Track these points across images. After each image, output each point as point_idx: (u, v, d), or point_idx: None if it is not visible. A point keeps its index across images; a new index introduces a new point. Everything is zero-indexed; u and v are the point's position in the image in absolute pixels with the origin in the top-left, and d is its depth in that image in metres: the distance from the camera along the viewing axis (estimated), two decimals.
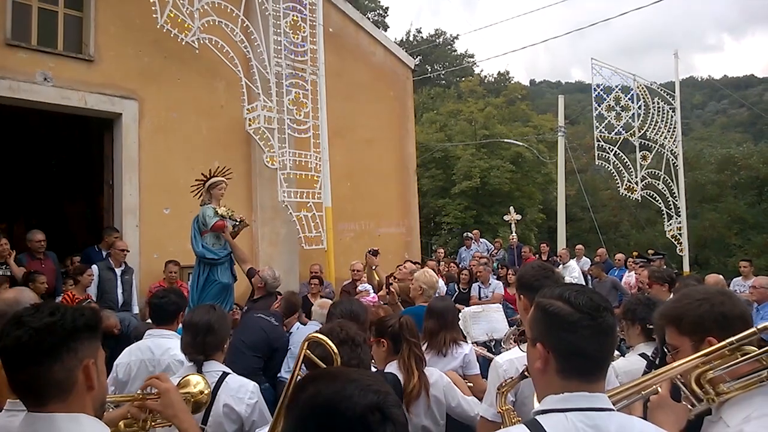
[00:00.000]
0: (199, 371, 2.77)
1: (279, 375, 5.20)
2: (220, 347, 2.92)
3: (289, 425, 1.10)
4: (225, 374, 2.86)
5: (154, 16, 7.53)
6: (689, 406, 1.73)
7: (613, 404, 1.55)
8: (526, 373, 1.79)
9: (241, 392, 2.80)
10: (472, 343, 5.19)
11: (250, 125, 8.57)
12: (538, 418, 1.48)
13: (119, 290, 7.29)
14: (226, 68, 8.35)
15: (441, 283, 9.30)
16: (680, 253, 13.94)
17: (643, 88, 13.95)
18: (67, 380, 1.41)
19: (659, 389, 1.78)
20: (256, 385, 2.89)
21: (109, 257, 7.50)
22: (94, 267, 7.17)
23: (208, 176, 6.50)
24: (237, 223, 6.49)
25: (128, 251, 7.66)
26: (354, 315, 3.26)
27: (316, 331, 2.33)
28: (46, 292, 6.29)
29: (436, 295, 4.96)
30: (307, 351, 1.95)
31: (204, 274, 6.34)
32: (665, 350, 2.35)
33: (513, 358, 2.50)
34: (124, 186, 8.33)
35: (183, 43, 7.82)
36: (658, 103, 14.08)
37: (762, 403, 1.60)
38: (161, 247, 8.15)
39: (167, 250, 7.94)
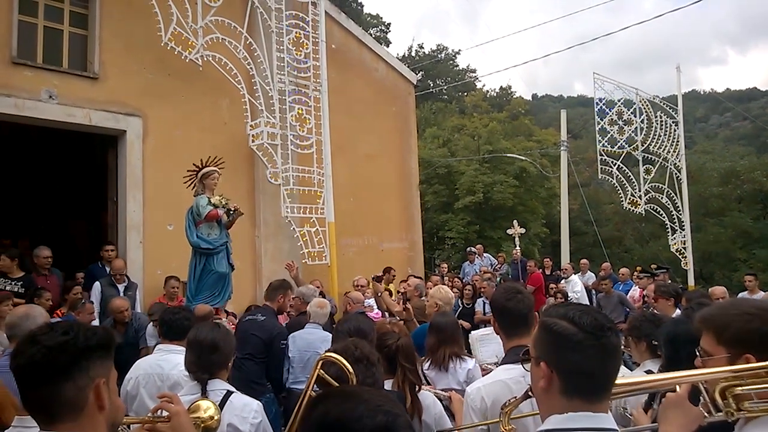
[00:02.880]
0: (204, 390, 2.76)
1: (286, 383, 5.13)
2: (225, 365, 2.90)
3: None
4: (229, 393, 2.84)
5: (158, 33, 7.62)
6: (705, 413, 1.70)
7: (626, 394, 1.52)
8: (530, 392, 1.77)
9: (246, 411, 2.78)
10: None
11: (253, 141, 8.61)
12: None
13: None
14: (230, 85, 8.41)
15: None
16: (685, 267, 13.87)
17: (645, 102, 13.98)
18: (78, 399, 1.41)
19: (678, 388, 1.75)
20: (260, 404, 2.88)
21: (111, 275, 7.48)
22: (96, 284, 7.15)
23: (201, 166, 6.52)
24: (232, 212, 6.49)
25: (124, 271, 7.59)
26: (362, 332, 3.23)
27: (330, 349, 2.33)
28: (50, 308, 6.29)
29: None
30: (321, 371, 1.95)
31: (200, 265, 6.35)
32: (670, 368, 2.33)
33: (480, 386, 2.47)
34: (128, 202, 8.35)
35: (187, 60, 7.90)
36: (661, 117, 14.10)
37: None
38: (165, 264, 8.14)
39: (170, 266, 7.93)
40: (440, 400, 3.14)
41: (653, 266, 11.44)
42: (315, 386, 2.08)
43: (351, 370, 1.83)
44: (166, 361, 3.56)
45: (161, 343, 3.79)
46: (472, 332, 5.91)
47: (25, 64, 7.65)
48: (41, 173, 11.12)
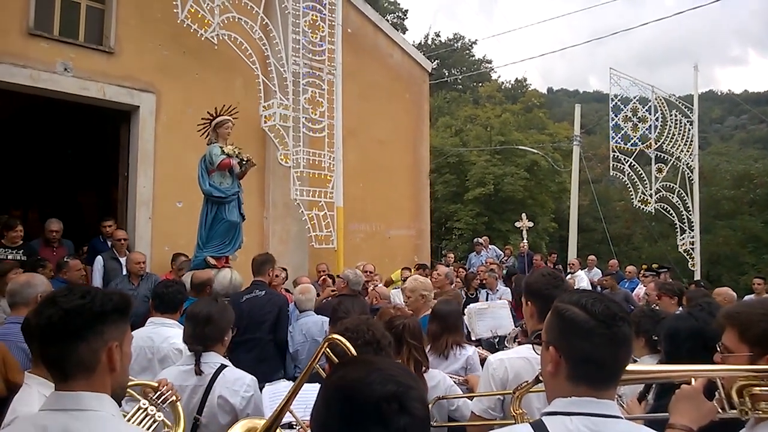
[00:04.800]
0: (198, 362, 2.82)
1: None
2: (220, 339, 2.94)
3: (317, 404, 1.14)
4: (223, 366, 2.88)
5: (174, 11, 7.62)
6: (719, 409, 1.70)
7: (640, 381, 1.51)
8: (540, 377, 1.79)
9: (237, 385, 2.81)
10: (475, 339, 5.18)
11: (265, 122, 8.62)
12: (544, 419, 1.49)
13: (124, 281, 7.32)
14: (244, 65, 8.41)
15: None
16: (692, 268, 13.80)
17: (661, 99, 13.85)
18: (91, 360, 1.48)
19: (693, 381, 1.75)
20: (254, 379, 2.90)
21: (113, 248, 7.53)
22: (99, 258, 7.19)
23: (215, 115, 6.53)
24: (244, 162, 6.51)
25: (126, 239, 7.65)
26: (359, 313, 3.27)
27: (343, 326, 2.35)
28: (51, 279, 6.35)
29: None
30: (328, 350, 1.99)
31: (212, 213, 6.42)
32: (669, 363, 2.34)
33: (504, 358, 2.51)
34: (138, 178, 8.41)
35: (202, 38, 7.90)
36: (676, 116, 13.96)
37: None
38: (173, 240, 8.21)
39: (178, 243, 7.99)
40: (455, 383, 3.21)
41: (655, 265, 11.41)
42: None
43: (354, 354, 1.86)
44: (158, 334, 3.60)
45: (153, 315, 3.83)
46: (470, 305, 5.94)
47: (42, 35, 7.69)
48: (54, 146, 11.20)
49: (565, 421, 1.44)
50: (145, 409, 2.17)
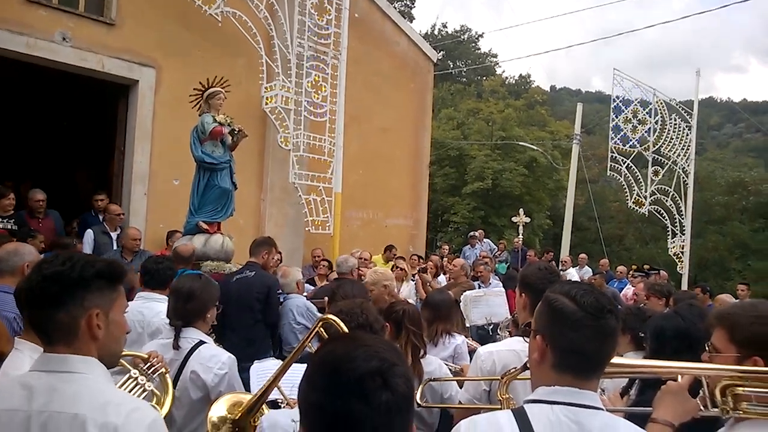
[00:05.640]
0: (177, 336, 2.83)
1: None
2: (202, 315, 2.94)
3: (303, 378, 1.15)
4: (201, 342, 2.88)
5: None
6: (701, 407, 1.74)
7: (628, 374, 1.52)
8: (528, 364, 1.82)
9: (212, 362, 2.80)
10: (469, 326, 5.23)
11: (267, 104, 8.58)
12: (526, 406, 1.52)
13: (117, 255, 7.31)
14: (247, 44, 8.34)
15: (442, 278, 9.34)
16: (680, 272, 13.91)
17: (662, 103, 13.87)
18: (71, 326, 1.48)
19: (680, 379, 1.79)
20: (232, 357, 2.89)
21: (105, 222, 7.48)
22: (89, 231, 7.14)
23: (206, 86, 6.59)
24: (236, 132, 6.57)
25: (123, 215, 7.64)
26: (356, 298, 3.29)
27: (337, 307, 2.38)
28: (42, 251, 6.33)
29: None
30: (321, 329, 2.02)
31: (204, 180, 6.51)
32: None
33: (493, 350, 2.55)
34: (135, 154, 8.34)
35: (206, 14, 7.83)
36: (676, 120, 14.00)
37: None
38: (168, 218, 8.18)
39: (173, 221, 7.97)
40: (450, 371, 3.25)
41: (646, 267, 11.50)
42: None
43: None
44: (149, 308, 3.62)
45: (142, 291, 3.84)
46: (466, 293, 5.99)
47: (41, 3, 7.53)
48: (50, 117, 11.09)
49: (546, 409, 1.46)
50: (136, 378, 2.22)
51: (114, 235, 7.37)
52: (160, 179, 8.44)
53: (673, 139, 13.89)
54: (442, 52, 31.12)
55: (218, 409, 2.34)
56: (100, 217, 7.67)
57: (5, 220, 6.58)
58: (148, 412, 1.48)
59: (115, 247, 7.12)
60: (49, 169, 11.30)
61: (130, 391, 2.20)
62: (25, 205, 7.19)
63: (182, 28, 8.61)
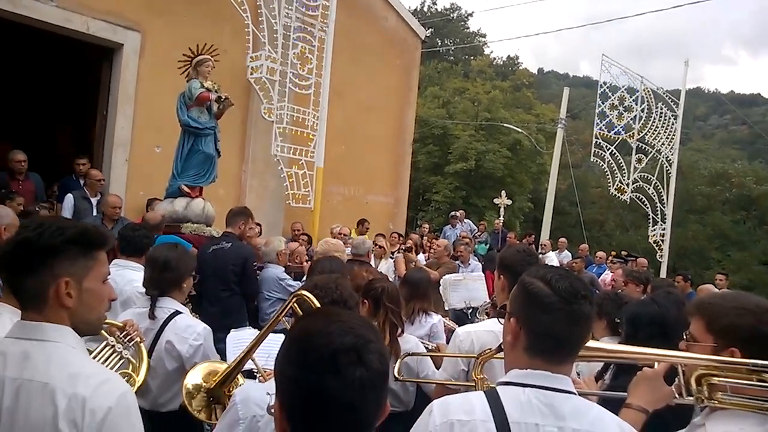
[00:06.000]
0: (153, 305, 2.83)
1: None
2: (177, 285, 2.93)
3: (279, 353, 1.16)
4: (177, 312, 2.87)
5: None
6: (676, 394, 1.75)
7: (603, 359, 1.52)
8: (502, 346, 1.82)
9: (187, 332, 2.80)
10: (448, 309, 5.28)
11: (251, 74, 8.43)
12: (498, 388, 1.53)
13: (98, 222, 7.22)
14: (234, 12, 8.16)
15: (421, 257, 9.38)
16: (659, 260, 14.12)
17: (648, 91, 13.92)
18: (39, 294, 1.47)
19: (656, 365, 1.79)
20: (207, 328, 2.89)
21: (85, 187, 7.38)
22: (69, 196, 7.05)
23: (195, 54, 6.60)
24: (222, 100, 6.58)
25: (104, 180, 7.56)
26: (335, 273, 3.28)
27: (311, 282, 2.37)
28: (21, 213, 6.22)
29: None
30: (295, 305, 2.01)
31: (189, 144, 6.53)
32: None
33: (471, 331, 2.57)
34: (117, 119, 8.21)
35: None
36: (662, 109, 14.07)
37: (750, 426, 1.59)
38: (148, 186, 8.08)
39: (153, 189, 7.87)
40: (427, 349, 3.27)
41: (624, 253, 11.66)
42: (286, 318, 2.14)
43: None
44: (121, 276, 3.57)
45: (118, 258, 3.81)
46: (445, 276, 6.04)
47: None
48: (32, 77, 10.82)
49: (518, 392, 1.48)
50: (113, 346, 2.21)
51: (94, 200, 7.28)
52: (142, 146, 8.33)
53: (658, 127, 13.98)
54: (430, 29, 30.83)
55: (193, 377, 2.36)
56: (81, 182, 7.56)
57: None
58: (118, 384, 1.47)
59: (95, 213, 7.02)
60: (29, 130, 11.06)
61: (107, 359, 2.21)
62: (5, 166, 7.04)
63: None
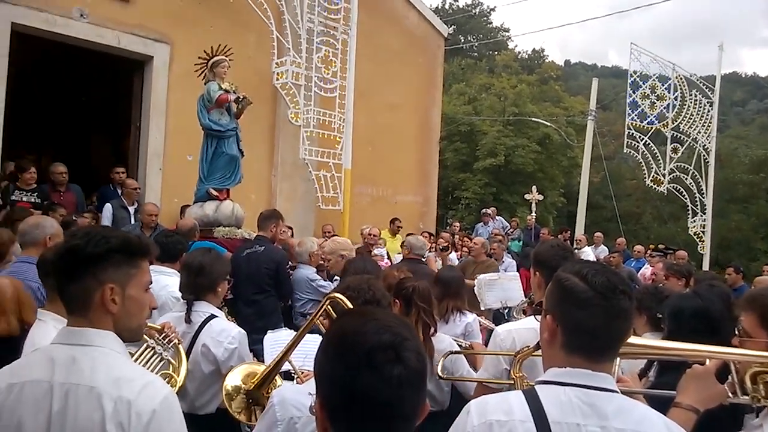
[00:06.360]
0: (189, 310, 2.87)
1: None
2: (212, 289, 2.96)
3: (317, 354, 1.17)
4: (212, 316, 2.91)
5: None
6: (729, 393, 1.68)
7: (652, 355, 1.50)
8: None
9: (222, 336, 2.83)
10: (485, 309, 5.21)
11: (277, 80, 8.53)
12: (537, 387, 1.49)
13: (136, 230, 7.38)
14: (258, 20, 8.28)
15: (453, 256, 9.31)
16: (701, 252, 13.71)
17: (681, 78, 13.55)
18: (85, 299, 1.52)
19: (707, 362, 1.72)
20: (242, 332, 2.91)
21: (123, 196, 7.55)
22: (108, 205, 7.25)
23: (211, 55, 6.69)
24: (241, 100, 6.64)
25: (139, 189, 7.73)
26: (368, 273, 3.27)
27: (344, 284, 2.37)
28: (61, 224, 6.39)
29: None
30: (329, 307, 2.01)
31: (212, 147, 6.66)
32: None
33: (512, 329, 2.52)
34: (150, 129, 8.41)
35: None
36: (696, 96, 13.68)
37: None
38: (182, 193, 8.22)
39: (187, 195, 8.00)
40: (460, 346, 3.23)
41: (662, 246, 11.36)
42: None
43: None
44: (156, 282, 3.61)
45: (153, 264, 3.86)
46: (480, 276, 5.97)
47: None
48: (68, 92, 11.16)
49: (558, 391, 1.43)
50: (153, 348, 2.27)
51: (131, 209, 7.46)
52: (174, 155, 8.50)
53: (693, 115, 13.59)
54: (452, 26, 30.66)
55: (233, 379, 2.40)
56: (119, 191, 7.76)
57: (29, 194, 6.68)
58: (161, 387, 1.51)
59: (133, 221, 7.20)
60: (67, 142, 11.42)
61: (148, 360, 2.28)
62: (47, 178, 7.27)
63: (195, 3, 8.62)
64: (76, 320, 1.53)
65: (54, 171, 7.23)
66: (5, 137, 7.49)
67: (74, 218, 6.44)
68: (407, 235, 9.02)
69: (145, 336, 2.28)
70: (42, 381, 1.45)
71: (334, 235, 8.35)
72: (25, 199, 6.52)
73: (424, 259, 5.90)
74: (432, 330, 3.04)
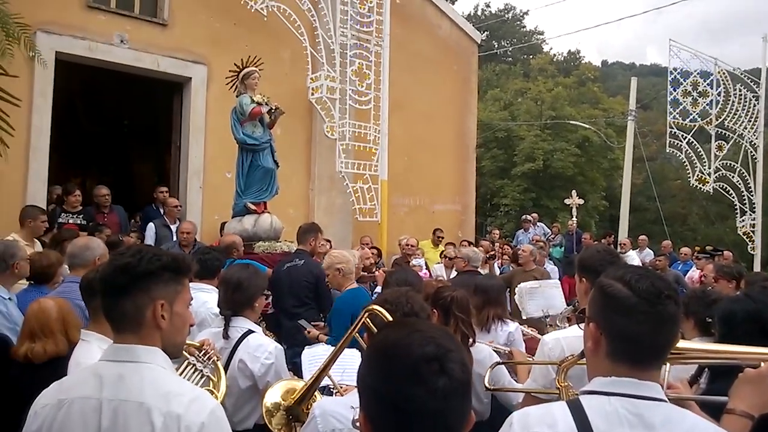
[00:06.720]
0: (227, 325, 2.90)
1: None
2: (249, 305, 2.99)
3: (361, 366, 1.18)
4: (250, 332, 2.93)
5: None
6: None
7: (704, 360, 1.46)
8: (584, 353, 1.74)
9: (259, 351, 2.84)
10: (526, 318, 5.11)
11: (312, 95, 8.66)
12: (581, 398, 1.45)
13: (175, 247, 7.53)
14: (292, 37, 8.43)
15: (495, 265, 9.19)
16: (752, 252, 13.20)
17: (724, 73, 13.13)
18: (137, 316, 1.55)
19: (762, 365, 1.65)
20: (279, 347, 2.92)
21: (165, 215, 7.72)
22: (151, 225, 7.42)
23: (241, 67, 6.74)
24: (273, 111, 6.71)
25: (180, 207, 7.89)
26: (409, 284, 3.27)
27: (381, 296, 2.37)
28: (106, 244, 6.56)
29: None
30: (367, 320, 2.02)
31: (248, 161, 6.74)
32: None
33: (560, 337, 2.45)
34: (190, 148, 8.63)
35: (252, 10, 7.96)
36: (741, 90, 13.22)
37: None
38: (222, 210, 8.39)
39: (226, 212, 8.17)
40: (498, 354, 3.19)
41: (709, 248, 10.96)
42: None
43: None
44: (195, 299, 3.67)
45: (192, 281, 3.93)
46: (521, 284, 5.85)
47: (99, 8, 7.92)
48: (111, 116, 11.58)
49: (604, 401, 1.39)
50: (194, 364, 2.30)
51: (173, 227, 7.61)
52: (214, 172, 8.70)
53: (738, 111, 13.14)
54: (486, 32, 30.52)
55: (272, 396, 2.41)
56: (161, 210, 7.95)
57: (74, 216, 6.91)
58: (208, 401, 1.54)
59: (174, 239, 7.37)
60: (112, 164, 11.84)
61: (189, 377, 2.30)
62: (91, 201, 7.53)
63: (230, 24, 8.81)
64: (125, 337, 1.56)
65: (97, 194, 7.46)
66: (52, 162, 7.80)
67: (120, 238, 6.64)
68: (447, 244, 8.99)
69: (184, 353, 2.32)
70: (91, 398, 1.48)
71: (372, 247, 8.39)
72: (71, 221, 6.74)
73: (479, 271, 5.80)
74: (471, 340, 3.01)
